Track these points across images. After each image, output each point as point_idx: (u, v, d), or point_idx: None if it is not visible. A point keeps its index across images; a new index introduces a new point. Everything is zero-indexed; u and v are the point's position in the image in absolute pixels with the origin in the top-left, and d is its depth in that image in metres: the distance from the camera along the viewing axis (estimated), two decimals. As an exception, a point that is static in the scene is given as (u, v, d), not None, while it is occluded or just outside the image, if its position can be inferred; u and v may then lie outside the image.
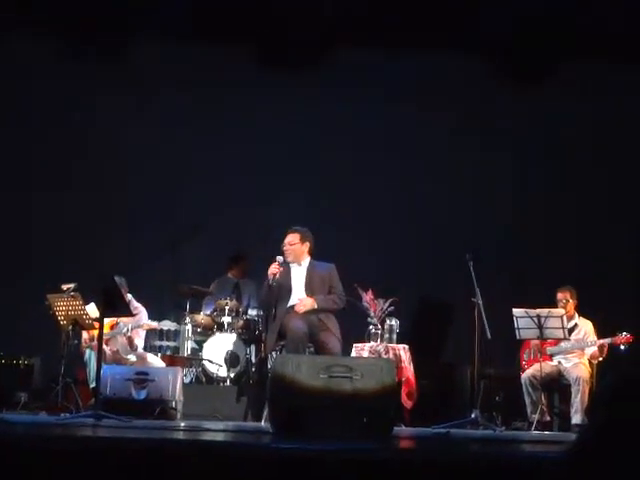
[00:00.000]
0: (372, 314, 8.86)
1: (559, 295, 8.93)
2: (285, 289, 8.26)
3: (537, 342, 8.74)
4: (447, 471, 4.59)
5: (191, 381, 9.53)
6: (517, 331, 8.63)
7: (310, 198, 10.41)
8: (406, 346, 8.87)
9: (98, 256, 9.96)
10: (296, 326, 7.98)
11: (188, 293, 9.95)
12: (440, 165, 10.66)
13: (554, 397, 8.93)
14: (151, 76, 10.46)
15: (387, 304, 8.85)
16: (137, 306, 8.94)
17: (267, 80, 10.23)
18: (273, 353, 8.28)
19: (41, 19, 9.75)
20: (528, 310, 8.56)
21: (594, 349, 8.75)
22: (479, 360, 8.37)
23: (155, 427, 6.83)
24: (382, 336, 8.86)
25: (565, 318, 8.61)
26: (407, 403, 8.63)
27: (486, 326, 8.21)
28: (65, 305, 8.31)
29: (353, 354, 8.65)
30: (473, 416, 8.29)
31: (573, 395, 8.50)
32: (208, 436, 6.43)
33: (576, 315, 8.95)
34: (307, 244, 8.34)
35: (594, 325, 8.92)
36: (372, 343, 8.79)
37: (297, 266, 8.36)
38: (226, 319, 9.70)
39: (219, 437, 6.50)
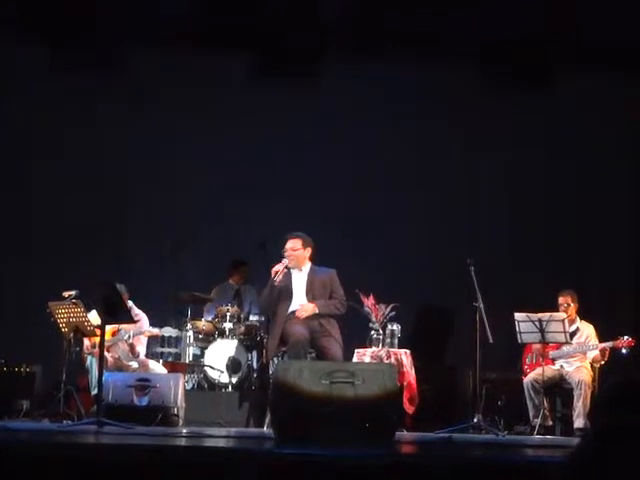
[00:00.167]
0: (374, 319, 8.86)
1: (560, 299, 8.92)
2: (286, 294, 8.27)
3: (539, 346, 8.73)
4: (450, 476, 4.59)
5: (193, 387, 9.52)
6: (519, 335, 8.62)
7: (311, 204, 10.41)
8: (408, 351, 8.86)
9: (99, 263, 9.97)
10: (297, 332, 7.99)
11: (189, 300, 9.95)
12: (440, 170, 10.66)
13: (556, 401, 8.91)
14: (149, 83, 10.46)
15: (389, 309, 8.85)
16: (138, 313, 8.94)
17: (266, 87, 10.21)
18: (275, 359, 8.28)
19: (35, 24, 9.75)
20: (529, 314, 8.56)
21: (596, 353, 8.74)
22: (481, 364, 8.37)
23: (157, 434, 6.83)
24: (384, 341, 8.85)
25: (567, 322, 8.60)
26: (409, 408, 8.62)
27: (488, 330, 8.21)
28: (66, 312, 8.31)
29: (355, 359, 8.64)
30: (475, 420, 8.28)
31: (575, 399, 8.50)
32: (210, 442, 6.43)
33: (577, 319, 8.95)
34: (309, 249, 8.38)
35: (595, 329, 8.92)
36: (374, 348, 8.79)
37: (298, 271, 8.38)
38: (227, 325, 9.70)
39: (221, 443, 6.50)
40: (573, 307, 8.91)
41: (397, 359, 8.68)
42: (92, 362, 8.66)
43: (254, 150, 10.60)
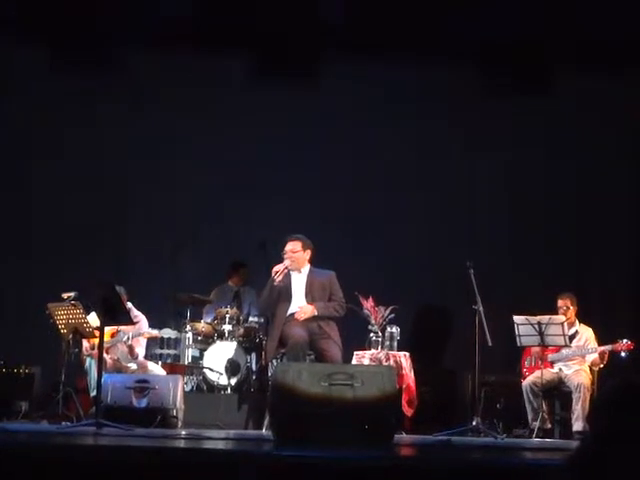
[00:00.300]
0: (373, 321, 8.86)
1: (560, 302, 8.92)
2: (285, 296, 8.28)
3: (538, 349, 8.73)
4: (448, 479, 4.59)
5: (192, 389, 9.52)
6: (518, 338, 8.63)
7: (311, 205, 10.40)
8: (407, 353, 8.87)
9: (98, 264, 9.97)
10: (296, 334, 8.00)
11: (188, 301, 9.94)
12: (439, 171, 10.66)
13: (555, 404, 8.92)
14: (149, 83, 10.47)
15: (388, 311, 8.85)
16: (137, 314, 8.94)
17: (266, 87, 10.22)
18: (274, 361, 8.28)
19: (35, 25, 9.77)
20: (529, 317, 8.56)
21: (595, 356, 8.74)
22: (480, 367, 8.37)
23: (156, 435, 6.83)
24: (383, 343, 8.85)
25: (566, 325, 8.61)
26: (408, 410, 8.62)
27: (487, 333, 8.21)
28: (65, 314, 8.31)
29: (354, 361, 8.64)
30: (474, 423, 8.28)
31: (574, 402, 8.50)
32: (209, 444, 6.44)
33: (577, 322, 8.95)
34: (308, 252, 8.39)
35: (595, 332, 8.92)
36: (373, 350, 8.79)
37: (297, 273, 8.39)
38: (227, 327, 9.69)
39: (220, 445, 6.50)
40: (572, 310, 8.91)
41: (396, 361, 8.68)
42: (91, 363, 8.65)
43: (254, 150, 10.59)
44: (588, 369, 8.73)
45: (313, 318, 8.17)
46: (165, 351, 9.79)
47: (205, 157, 10.56)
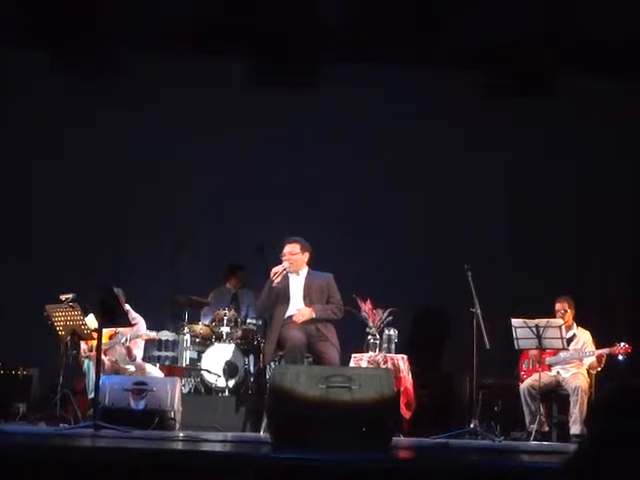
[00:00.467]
0: (371, 324, 8.86)
1: (557, 305, 8.93)
2: (283, 298, 8.28)
3: (536, 352, 8.73)
4: (446, 481, 4.60)
5: (190, 391, 9.51)
6: (516, 341, 8.63)
7: (309, 209, 10.41)
8: (405, 356, 8.87)
9: (97, 267, 9.97)
10: (294, 336, 8.00)
11: (186, 303, 9.94)
12: (439, 175, 10.67)
13: (553, 407, 8.91)
14: (149, 84, 10.47)
15: (386, 314, 8.85)
16: (135, 317, 8.94)
17: (266, 88, 10.24)
18: (272, 363, 8.28)
19: (35, 26, 9.78)
20: (527, 320, 8.56)
21: (592, 359, 8.75)
22: (478, 370, 8.37)
23: (154, 437, 6.84)
24: (380, 346, 8.85)
25: (563, 328, 8.61)
26: (406, 413, 8.62)
27: (485, 336, 8.22)
28: (63, 315, 8.30)
29: (351, 364, 8.64)
30: (472, 426, 8.29)
31: (572, 405, 8.50)
32: (207, 446, 6.43)
33: (574, 325, 8.95)
34: (307, 254, 8.39)
35: (592, 335, 8.92)
36: (371, 353, 8.79)
37: (296, 276, 8.39)
38: (224, 329, 9.68)
39: (218, 447, 6.49)
40: (570, 313, 8.91)
41: (394, 364, 8.68)
42: (89, 365, 8.65)
43: (254, 151, 10.60)
44: (586, 372, 8.73)
45: (311, 320, 8.17)
46: (163, 353, 9.78)
47: (204, 158, 10.57)
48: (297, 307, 8.27)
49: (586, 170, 10.64)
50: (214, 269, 10.39)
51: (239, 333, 9.76)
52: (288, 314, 8.26)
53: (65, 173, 10.45)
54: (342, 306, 8.39)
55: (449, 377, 10.12)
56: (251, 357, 9.67)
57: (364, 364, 8.64)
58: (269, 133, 10.58)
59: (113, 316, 7.63)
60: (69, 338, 8.37)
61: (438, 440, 7.68)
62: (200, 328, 9.87)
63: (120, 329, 8.69)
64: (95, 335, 7.76)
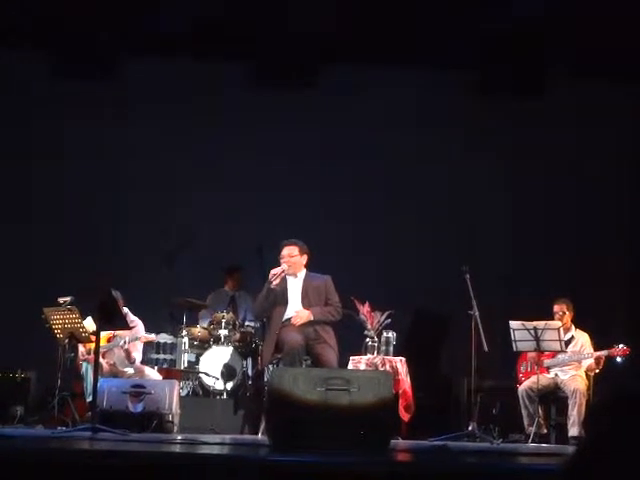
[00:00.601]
0: (369, 327, 8.85)
1: (556, 307, 8.92)
2: (281, 300, 8.28)
3: (534, 354, 8.73)
4: (444, 484, 4.59)
5: (188, 394, 9.51)
6: (514, 343, 8.63)
7: (307, 212, 10.41)
8: (403, 358, 8.86)
9: (95, 269, 9.95)
10: (292, 339, 7.99)
11: (185, 306, 9.94)
12: (436, 178, 10.67)
13: (551, 409, 8.91)
14: (149, 89, 10.49)
15: (384, 317, 8.85)
16: (134, 319, 8.93)
17: (266, 96, 10.26)
18: (270, 366, 8.28)
19: (36, 35, 9.81)
20: (525, 322, 8.56)
21: (590, 361, 8.74)
22: (476, 372, 8.37)
23: (152, 440, 6.82)
24: (379, 348, 8.85)
25: (562, 330, 8.61)
26: (405, 416, 8.61)
27: (483, 338, 8.22)
28: (61, 318, 8.29)
29: (350, 367, 8.63)
30: (470, 428, 8.29)
31: (570, 407, 8.49)
32: (205, 449, 6.42)
33: (573, 327, 8.95)
34: (305, 256, 8.40)
35: (591, 337, 8.92)
36: (369, 356, 8.78)
37: (293, 278, 8.39)
38: (222, 332, 9.69)
39: (216, 450, 6.48)
40: (568, 315, 8.91)
41: (392, 367, 8.67)
42: (87, 368, 8.64)
43: (251, 159, 10.61)
44: (584, 374, 8.73)
45: (309, 323, 8.17)
46: (161, 356, 9.79)
47: (203, 160, 10.59)
48: (295, 309, 8.27)
49: (585, 171, 10.65)
50: (212, 272, 10.38)
51: (237, 336, 9.76)
52: (286, 316, 8.25)
53: (64, 175, 10.48)
54: (340, 308, 8.38)
55: (447, 379, 10.12)
56: (249, 360, 9.68)
57: (362, 367, 8.64)
58: (268, 135, 10.59)
59: (111, 319, 7.63)
60: (67, 341, 8.36)
61: (436, 443, 7.67)
62: (198, 331, 9.88)
63: (118, 332, 8.68)
64: (93, 338, 7.76)
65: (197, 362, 9.68)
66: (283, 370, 7.19)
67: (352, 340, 8.88)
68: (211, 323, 9.85)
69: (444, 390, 9.98)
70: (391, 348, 8.92)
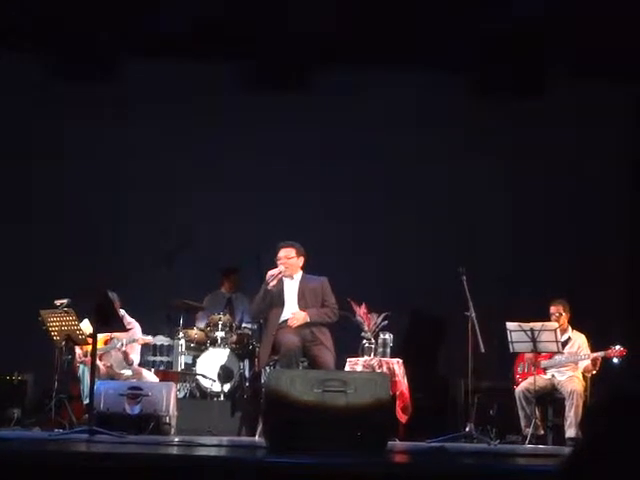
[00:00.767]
0: (366, 328, 8.85)
1: (552, 308, 8.93)
2: (278, 302, 8.27)
3: (531, 355, 8.73)
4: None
5: (185, 396, 9.51)
6: (511, 345, 8.63)
7: (303, 213, 10.41)
8: (400, 360, 8.86)
9: (91, 271, 9.94)
10: (289, 340, 7.99)
11: (182, 307, 9.94)
12: (433, 179, 10.67)
13: (548, 410, 8.91)
14: (148, 90, 10.49)
15: (381, 318, 8.84)
16: (131, 321, 8.93)
17: (266, 96, 10.26)
18: (267, 367, 8.28)
19: (36, 35, 9.81)
20: (521, 324, 8.56)
21: (587, 362, 8.74)
22: (473, 374, 8.38)
23: (149, 442, 6.82)
24: (376, 350, 8.85)
25: (558, 331, 8.61)
26: (402, 417, 8.61)
27: (479, 340, 8.22)
28: (58, 320, 8.28)
29: (347, 368, 8.63)
30: (467, 430, 8.29)
31: (567, 409, 8.50)
32: (202, 451, 6.42)
33: (569, 328, 8.95)
34: (302, 258, 8.40)
35: (587, 338, 8.92)
36: (366, 357, 8.78)
37: (290, 280, 8.39)
38: (219, 334, 9.68)
39: (213, 452, 6.49)
40: (565, 316, 8.91)
41: (389, 368, 8.67)
42: (84, 370, 8.64)
43: (248, 160, 10.60)
44: (581, 375, 8.73)
45: (306, 325, 8.17)
46: (158, 358, 9.79)
47: (201, 162, 10.59)
48: (292, 311, 8.26)
49: (585, 171, 10.65)
50: (210, 273, 10.38)
51: (234, 338, 9.77)
52: (283, 318, 8.25)
53: (64, 175, 10.48)
54: (337, 309, 8.38)
55: (444, 381, 10.12)
56: (246, 361, 9.68)
57: (359, 368, 8.64)
58: (268, 135, 10.59)
59: (108, 321, 7.63)
60: (64, 343, 8.35)
61: (434, 444, 7.68)
62: (195, 333, 9.88)
63: (115, 334, 8.68)
64: (90, 340, 7.75)
65: (194, 364, 9.68)
66: (280, 372, 7.19)
67: (349, 342, 8.88)
68: (208, 325, 9.85)
69: (441, 391, 9.98)
70: (388, 350, 8.92)
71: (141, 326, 9.10)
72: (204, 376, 9.45)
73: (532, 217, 10.68)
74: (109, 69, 10.14)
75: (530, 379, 8.64)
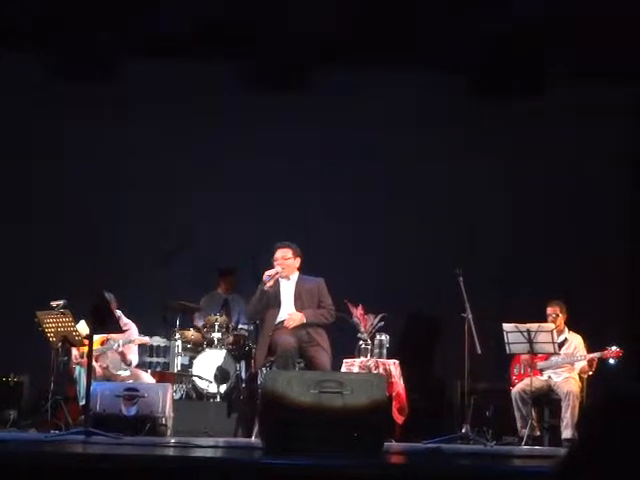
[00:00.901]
0: (362, 329, 8.86)
1: (549, 309, 8.94)
2: (274, 303, 8.27)
3: (527, 357, 8.74)
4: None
5: (181, 397, 9.50)
6: (507, 346, 8.63)
7: (300, 214, 10.41)
8: (396, 361, 8.87)
9: (87, 272, 9.94)
10: (285, 341, 7.99)
11: (178, 308, 9.93)
12: (430, 180, 10.67)
13: (544, 412, 8.92)
14: (147, 91, 10.48)
15: (377, 319, 8.85)
16: (127, 322, 8.92)
17: (266, 96, 10.25)
18: (263, 369, 8.28)
19: (36, 35, 9.80)
20: (518, 325, 8.57)
21: (583, 363, 8.75)
22: (469, 375, 8.38)
23: (145, 443, 6.82)
24: (372, 351, 8.85)
25: (555, 333, 8.61)
26: (399, 418, 8.62)
27: (476, 341, 8.23)
28: (54, 322, 8.27)
29: (343, 369, 8.63)
30: (464, 431, 8.30)
31: (563, 410, 8.50)
32: (198, 452, 6.42)
33: (566, 329, 8.96)
34: (298, 259, 8.40)
35: (584, 339, 8.93)
36: (362, 358, 8.78)
37: (286, 281, 8.39)
38: (216, 335, 9.68)
39: (209, 453, 6.48)
40: (561, 318, 8.92)
41: (386, 369, 8.68)
42: (80, 372, 8.63)
43: (244, 161, 10.60)
44: (577, 376, 8.74)
45: (302, 326, 8.17)
46: (154, 359, 9.79)
47: (199, 162, 10.58)
48: (288, 312, 8.26)
49: (585, 171, 10.65)
50: (209, 273, 10.37)
51: (230, 339, 9.76)
52: (279, 319, 8.25)
53: (64, 175, 10.48)
54: (333, 310, 8.38)
55: (441, 382, 10.12)
56: (242, 362, 9.67)
57: (356, 369, 8.64)
58: (268, 135, 10.59)
59: (104, 322, 7.62)
60: (60, 344, 8.33)
61: (430, 445, 7.68)
62: (191, 334, 9.87)
63: (112, 335, 8.67)
64: (86, 341, 7.75)
65: (190, 365, 9.67)
66: (276, 373, 7.19)
67: (345, 343, 8.89)
68: (204, 326, 9.84)
69: (437, 392, 9.99)
70: (384, 351, 8.92)
71: (137, 327, 9.09)
72: (200, 377, 9.45)
73: (532, 217, 10.67)
74: (109, 69, 10.13)
75: (526, 380, 8.65)
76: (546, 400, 8.85)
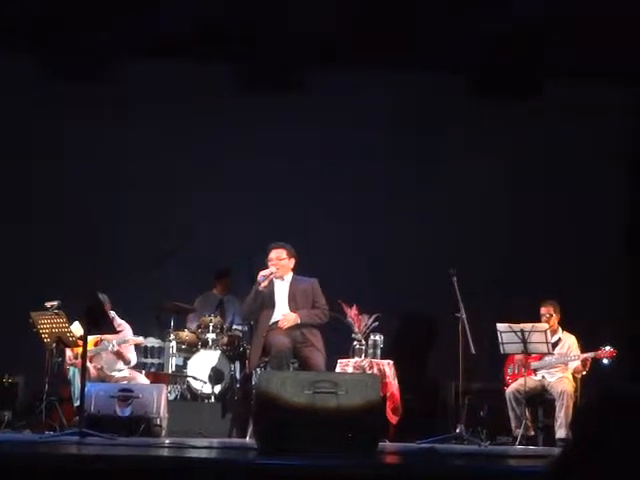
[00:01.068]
0: (356, 330, 8.86)
1: (543, 309, 8.95)
2: (269, 303, 8.28)
3: (521, 357, 8.75)
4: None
5: (176, 398, 9.50)
6: (501, 346, 8.65)
7: (294, 215, 10.41)
8: (390, 361, 8.87)
9: (82, 273, 9.92)
10: (280, 342, 7.99)
11: (172, 309, 9.92)
12: (425, 180, 10.68)
13: (538, 411, 8.93)
14: (146, 91, 10.48)
15: (371, 320, 8.86)
16: (121, 323, 8.91)
17: (266, 96, 10.26)
18: (257, 369, 8.28)
19: (36, 35, 9.80)
20: (512, 325, 8.58)
21: (577, 363, 8.77)
22: (463, 375, 8.39)
23: (140, 444, 6.82)
24: (366, 351, 8.86)
25: (549, 333, 8.63)
26: (392, 418, 8.63)
27: (470, 341, 8.24)
28: (49, 323, 8.26)
29: (337, 370, 8.64)
30: (458, 431, 8.31)
31: (557, 409, 8.52)
32: (193, 453, 6.41)
33: (560, 329, 8.97)
34: (292, 260, 8.41)
35: (578, 339, 8.94)
36: (356, 359, 8.79)
37: (280, 281, 8.39)
38: (210, 336, 9.67)
39: (204, 454, 6.48)
40: (555, 318, 8.94)
41: (380, 369, 8.69)
42: (75, 373, 8.62)
43: (240, 161, 10.60)
44: (571, 376, 8.75)
45: (296, 326, 8.17)
46: (149, 360, 9.78)
47: (197, 163, 10.58)
48: (282, 312, 8.27)
49: (584, 171, 10.66)
50: (207, 273, 10.37)
51: (225, 339, 9.76)
52: (273, 320, 8.25)
53: (64, 175, 10.48)
54: (327, 310, 8.39)
55: (435, 382, 10.13)
56: (237, 363, 9.67)
57: (350, 370, 8.65)
58: (268, 135, 10.59)
59: (98, 323, 7.61)
60: (54, 345, 8.33)
61: (424, 445, 7.69)
62: (186, 335, 9.87)
63: (106, 336, 8.66)
64: (80, 342, 7.74)
65: (185, 366, 9.67)
66: (271, 373, 7.19)
67: (339, 343, 8.89)
68: (199, 327, 9.84)
69: (432, 393, 9.99)
70: (378, 351, 8.93)
71: (132, 328, 9.08)
72: (195, 378, 9.44)
73: (531, 217, 10.68)
74: (109, 69, 10.12)
75: (520, 380, 8.66)
76: (540, 400, 8.86)
